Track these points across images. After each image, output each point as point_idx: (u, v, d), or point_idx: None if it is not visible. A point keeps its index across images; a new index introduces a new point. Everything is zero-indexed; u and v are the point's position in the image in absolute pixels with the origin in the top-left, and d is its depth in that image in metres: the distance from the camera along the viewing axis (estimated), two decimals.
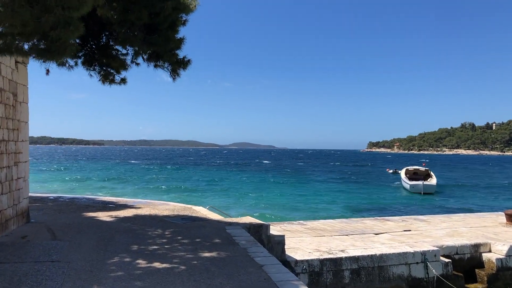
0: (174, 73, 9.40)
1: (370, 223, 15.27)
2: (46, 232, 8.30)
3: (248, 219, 10.41)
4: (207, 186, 42.89)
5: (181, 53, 9.29)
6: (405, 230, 13.95)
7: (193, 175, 57.95)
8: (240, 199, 31.95)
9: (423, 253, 11.14)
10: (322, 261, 10.13)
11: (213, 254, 6.95)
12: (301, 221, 15.30)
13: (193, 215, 11.08)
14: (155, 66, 9.42)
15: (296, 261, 9.92)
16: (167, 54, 8.83)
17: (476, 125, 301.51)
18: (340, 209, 26.16)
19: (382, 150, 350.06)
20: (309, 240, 12.15)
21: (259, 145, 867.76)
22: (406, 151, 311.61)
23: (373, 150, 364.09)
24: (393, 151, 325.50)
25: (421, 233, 13.59)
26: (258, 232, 9.52)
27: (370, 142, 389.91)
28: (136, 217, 10.34)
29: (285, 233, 12.40)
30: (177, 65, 9.25)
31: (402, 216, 17.42)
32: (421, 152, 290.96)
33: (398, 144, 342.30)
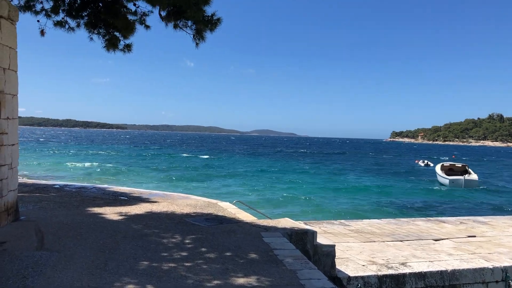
0: (199, 35, 7.37)
1: (423, 225, 13.06)
2: (34, 236, 6.44)
3: (287, 222, 8.38)
4: (235, 175, 39.40)
5: (209, 10, 7.25)
6: (469, 236, 11.69)
7: (222, 163, 54.34)
8: (269, 191, 29.21)
9: (504, 269, 8.94)
10: (381, 278, 8.05)
11: (251, 280, 4.95)
12: (343, 221, 13.19)
13: (219, 214, 9.11)
14: (175, 26, 7.39)
15: (349, 278, 7.88)
16: (191, 9, 6.77)
17: (505, 116, 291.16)
18: (377, 206, 23.67)
19: (406, 140, 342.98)
20: (358, 247, 10.05)
21: (280, 132, 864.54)
22: (430, 142, 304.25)
23: (397, 139, 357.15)
24: (417, 141, 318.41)
25: (490, 241, 11.32)
26: (302, 240, 7.50)
27: (393, 131, 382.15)
28: (150, 216, 8.43)
29: (327, 236, 10.34)
30: (203, 25, 7.19)
31: (459, 217, 15.10)
32: (446, 143, 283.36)
33: (422, 134, 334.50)
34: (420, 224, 13.14)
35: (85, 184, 14.14)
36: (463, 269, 8.68)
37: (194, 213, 9.03)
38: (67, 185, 12.63)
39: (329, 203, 24.23)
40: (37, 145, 77.78)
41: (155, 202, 10.24)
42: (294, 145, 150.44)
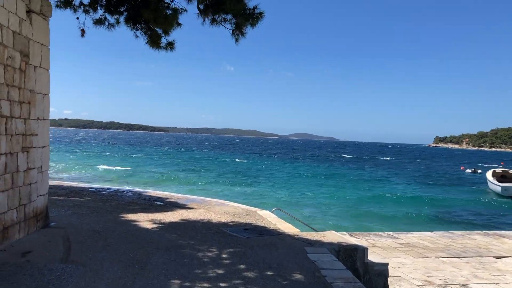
0: (238, 31, 6.77)
1: (481, 239, 11.86)
2: (61, 245, 6.02)
3: (334, 236, 7.60)
4: (273, 180, 36.76)
5: (250, 3, 6.62)
6: None
7: (260, 167, 50.97)
8: (310, 198, 26.80)
9: None
10: None
11: None
12: (391, 233, 12.21)
13: (259, 223, 8.45)
14: (213, 21, 6.83)
15: None
16: (231, 1, 6.16)
17: None
18: (427, 216, 21.78)
19: (450, 145, 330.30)
20: (410, 263, 9.10)
21: (319, 136, 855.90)
22: (476, 148, 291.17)
23: (440, 145, 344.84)
24: (461, 147, 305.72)
25: None
26: (351, 257, 6.71)
27: (436, 137, 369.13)
28: (186, 224, 7.89)
29: (375, 250, 9.46)
30: (244, 19, 6.57)
31: None
32: (493, 149, 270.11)
33: (467, 140, 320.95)
34: (477, 239, 11.95)
35: (121, 187, 13.88)
36: None
37: (232, 222, 8.42)
38: (103, 188, 12.36)
39: (374, 212, 22.44)
40: (78, 146, 79.54)
41: (192, 208, 9.72)
42: (333, 149, 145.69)
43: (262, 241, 6.93)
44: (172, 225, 7.79)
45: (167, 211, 9.16)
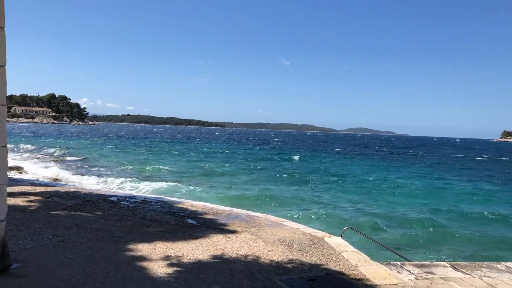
0: None
1: None
2: None
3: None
4: (335, 183, 26.82)
5: None
6: None
7: (317, 166, 39.92)
8: (385, 207, 18.60)
9: None
10: None
11: None
12: (510, 264, 8.72)
13: (331, 266, 5.50)
14: None
15: None
16: None
17: None
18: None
19: None
20: None
21: (377, 131, 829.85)
22: None
23: (508, 140, 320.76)
24: None
25: None
26: None
27: (504, 131, 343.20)
28: (218, 268, 5.11)
29: None
30: None
31: None
32: None
33: None
34: None
35: (149, 195, 11.42)
36: None
37: (289, 261, 5.54)
38: (127, 196, 9.91)
39: (472, 231, 14.99)
40: (142, 142, 76.20)
41: (233, 232, 6.96)
42: (395, 144, 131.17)
43: None
44: (197, 268, 5.05)
45: (197, 237, 6.45)
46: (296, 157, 49.53)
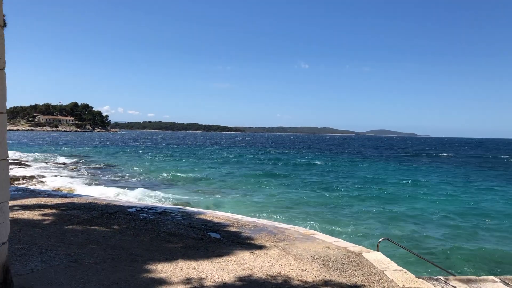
0: None
1: None
2: None
3: None
4: (361, 190, 24.57)
5: None
6: None
7: (342, 170, 38.21)
8: (420, 217, 16.69)
9: None
10: None
11: None
12: (502, 276, 7.82)
13: (374, 287, 4.83)
14: None
15: None
16: None
17: None
18: None
19: None
20: None
21: (399, 132, 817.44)
22: None
23: None
24: None
25: None
26: None
27: None
28: None
29: None
30: None
31: None
32: None
33: None
34: None
35: (170, 206, 10.87)
36: None
37: (326, 283, 4.89)
38: (147, 207, 9.40)
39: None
40: (161, 149, 75.69)
41: (260, 247, 6.35)
42: (419, 146, 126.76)
43: None
44: None
45: (222, 255, 5.86)
46: (319, 162, 48.24)
